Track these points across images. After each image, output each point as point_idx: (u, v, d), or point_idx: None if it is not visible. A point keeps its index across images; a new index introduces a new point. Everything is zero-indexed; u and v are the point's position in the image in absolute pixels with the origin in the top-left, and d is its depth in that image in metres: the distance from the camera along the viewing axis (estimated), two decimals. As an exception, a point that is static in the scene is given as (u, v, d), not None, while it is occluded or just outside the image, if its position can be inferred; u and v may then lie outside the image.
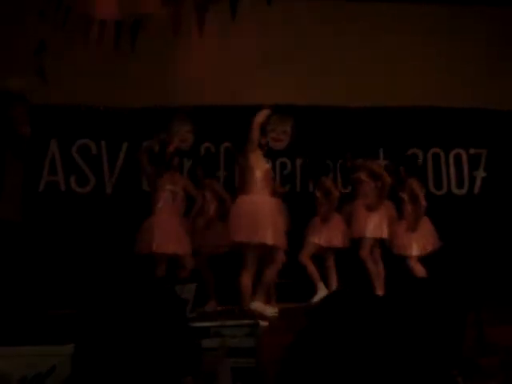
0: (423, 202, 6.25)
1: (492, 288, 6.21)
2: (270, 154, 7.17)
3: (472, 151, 7.49)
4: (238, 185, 5.72)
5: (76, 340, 1.17)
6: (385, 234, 6.22)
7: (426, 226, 6.25)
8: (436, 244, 6.21)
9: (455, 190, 7.47)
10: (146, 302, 1.16)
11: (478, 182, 7.49)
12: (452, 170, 7.49)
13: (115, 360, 1.09)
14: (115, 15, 6.22)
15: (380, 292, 5.89)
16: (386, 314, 1.47)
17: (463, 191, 7.48)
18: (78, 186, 6.90)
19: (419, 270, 6.13)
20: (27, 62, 6.21)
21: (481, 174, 7.51)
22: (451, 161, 7.50)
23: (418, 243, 6.19)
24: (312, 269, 6.24)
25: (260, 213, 5.32)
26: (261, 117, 5.48)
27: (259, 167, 5.46)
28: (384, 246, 6.38)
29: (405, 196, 6.34)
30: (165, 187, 5.89)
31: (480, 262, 6.76)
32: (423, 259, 6.23)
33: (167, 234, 5.79)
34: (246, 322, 4.00)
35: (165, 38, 6.32)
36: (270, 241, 5.26)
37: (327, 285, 6.19)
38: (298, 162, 7.25)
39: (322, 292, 5.96)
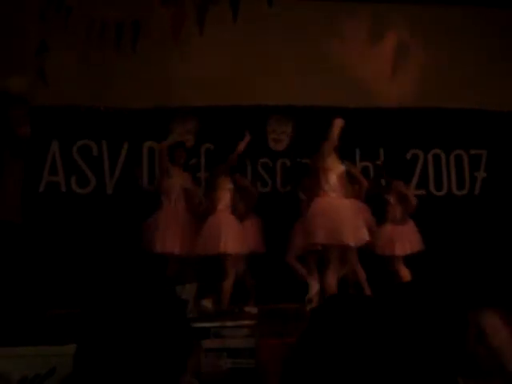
0: (413, 202, 6.21)
1: (492, 289, 6.21)
2: (270, 155, 7.20)
3: (472, 152, 7.49)
4: (311, 187, 5.73)
5: (77, 340, 1.16)
6: (365, 237, 6.17)
7: (411, 228, 6.20)
8: (419, 246, 6.13)
9: (456, 191, 7.47)
10: (147, 302, 1.16)
11: (479, 183, 7.49)
12: (452, 170, 7.49)
13: (115, 360, 1.09)
14: (116, 16, 6.24)
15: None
16: (387, 316, 1.47)
17: (464, 192, 7.47)
18: (79, 187, 6.90)
19: (403, 271, 6.11)
20: (27, 63, 6.22)
21: (481, 174, 7.51)
22: (452, 162, 7.50)
23: (402, 244, 6.14)
24: (299, 267, 6.17)
25: (339, 214, 5.35)
26: (341, 122, 5.56)
27: (335, 169, 5.54)
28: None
29: (390, 198, 6.30)
30: (226, 186, 5.93)
31: (480, 262, 6.75)
32: (423, 261, 6.21)
33: (234, 234, 5.80)
34: (246, 322, 3.99)
35: (165, 39, 6.33)
36: (351, 241, 5.30)
37: (309, 286, 6.12)
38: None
39: (314, 288, 5.92)
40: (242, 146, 5.96)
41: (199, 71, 6.77)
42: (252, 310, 5.97)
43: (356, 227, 5.35)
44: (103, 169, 6.95)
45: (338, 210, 5.37)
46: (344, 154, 7.18)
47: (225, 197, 5.91)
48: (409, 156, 7.44)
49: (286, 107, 7.07)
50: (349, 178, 6.22)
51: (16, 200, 6.33)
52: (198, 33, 6.18)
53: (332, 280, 5.31)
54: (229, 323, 3.92)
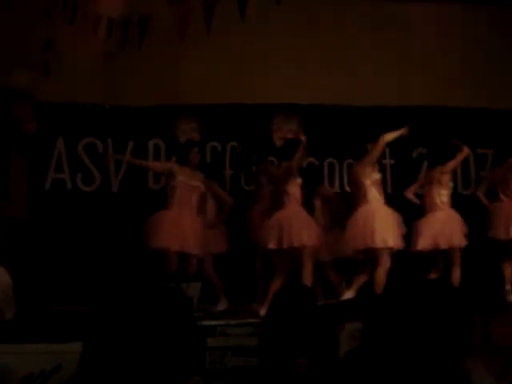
0: (338, 206, 6.16)
1: (498, 289, 6.19)
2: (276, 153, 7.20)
3: (479, 151, 7.46)
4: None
5: (83, 338, 1.16)
6: None
7: (341, 232, 6.03)
8: (348, 251, 5.89)
9: (462, 190, 7.43)
10: (153, 300, 1.16)
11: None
12: (459, 169, 7.45)
13: (122, 358, 1.08)
14: (123, 13, 6.23)
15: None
16: (391, 314, 1.46)
17: (469, 191, 7.44)
18: (84, 184, 6.91)
19: (331, 275, 6.08)
20: (33, 60, 6.22)
21: (487, 174, 7.47)
22: (458, 161, 7.47)
23: (329, 248, 6.00)
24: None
25: None
26: None
27: None
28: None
29: (317, 202, 6.25)
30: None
31: (487, 261, 6.72)
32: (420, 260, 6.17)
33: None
34: (250, 321, 3.99)
35: (171, 37, 6.32)
36: None
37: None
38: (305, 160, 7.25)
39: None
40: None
41: (205, 69, 6.77)
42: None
43: None
44: (108, 166, 6.95)
45: None
46: (349, 153, 7.19)
47: None
48: (415, 155, 7.41)
49: (291, 105, 7.06)
50: (271, 180, 6.16)
51: (22, 197, 6.34)
52: (203, 31, 6.17)
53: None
54: (233, 321, 3.92)
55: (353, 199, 5.84)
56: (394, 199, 6.49)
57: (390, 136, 5.79)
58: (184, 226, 5.68)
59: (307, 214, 5.74)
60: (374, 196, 5.64)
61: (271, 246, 5.49)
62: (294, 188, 5.64)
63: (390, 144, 7.24)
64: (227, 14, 6.04)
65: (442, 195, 5.97)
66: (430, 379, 1.39)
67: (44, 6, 6.13)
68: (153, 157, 6.98)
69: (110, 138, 6.97)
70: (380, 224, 5.53)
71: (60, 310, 5.27)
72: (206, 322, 3.76)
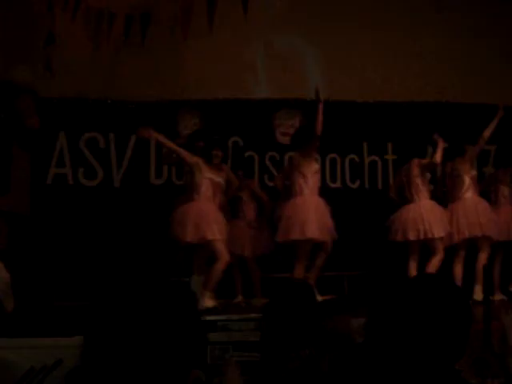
0: (267, 203, 6.16)
1: (500, 285, 6.20)
2: (278, 148, 7.21)
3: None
4: None
5: (85, 332, 1.16)
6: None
7: (266, 228, 6.09)
8: (271, 247, 5.99)
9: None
10: (156, 295, 1.16)
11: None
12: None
13: (123, 352, 1.08)
14: (126, 8, 6.23)
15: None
16: (391, 311, 1.46)
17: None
18: (86, 179, 6.91)
19: (254, 270, 6.09)
20: (36, 55, 6.23)
21: (489, 170, 7.45)
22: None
23: (254, 244, 6.04)
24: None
25: None
26: None
27: None
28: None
29: (243, 196, 6.22)
30: None
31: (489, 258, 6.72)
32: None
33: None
34: (252, 316, 4.00)
35: (174, 32, 6.31)
36: None
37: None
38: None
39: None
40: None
41: (206, 64, 6.76)
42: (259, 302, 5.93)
43: None
44: (110, 161, 6.95)
45: None
46: (351, 148, 7.20)
47: None
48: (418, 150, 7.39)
49: (294, 101, 7.05)
50: None
51: (23, 192, 6.35)
52: (205, 26, 6.16)
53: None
54: (235, 316, 3.93)
55: (447, 193, 6.41)
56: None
57: (489, 130, 6.32)
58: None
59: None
60: (472, 190, 6.19)
61: (412, 237, 5.89)
62: (425, 182, 6.15)
63: (392, 139, 7.28)
64: (228, 9, 6.03)
65: (505, 192, 6.52)
66: (430, 373, 1.40)
67: (46, 1, 6.13)
68: (155, 152, 6.99)
69: (112, 132, 6.97)
70: (482, 216, 6.10)
71: (62, 305, 5.29)
72: (208, 317, 3.76)
